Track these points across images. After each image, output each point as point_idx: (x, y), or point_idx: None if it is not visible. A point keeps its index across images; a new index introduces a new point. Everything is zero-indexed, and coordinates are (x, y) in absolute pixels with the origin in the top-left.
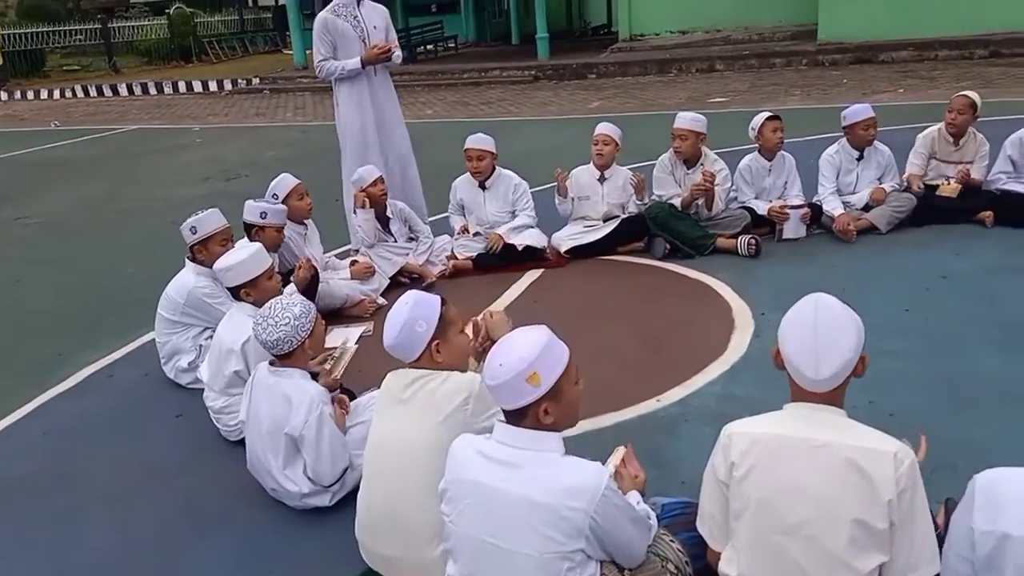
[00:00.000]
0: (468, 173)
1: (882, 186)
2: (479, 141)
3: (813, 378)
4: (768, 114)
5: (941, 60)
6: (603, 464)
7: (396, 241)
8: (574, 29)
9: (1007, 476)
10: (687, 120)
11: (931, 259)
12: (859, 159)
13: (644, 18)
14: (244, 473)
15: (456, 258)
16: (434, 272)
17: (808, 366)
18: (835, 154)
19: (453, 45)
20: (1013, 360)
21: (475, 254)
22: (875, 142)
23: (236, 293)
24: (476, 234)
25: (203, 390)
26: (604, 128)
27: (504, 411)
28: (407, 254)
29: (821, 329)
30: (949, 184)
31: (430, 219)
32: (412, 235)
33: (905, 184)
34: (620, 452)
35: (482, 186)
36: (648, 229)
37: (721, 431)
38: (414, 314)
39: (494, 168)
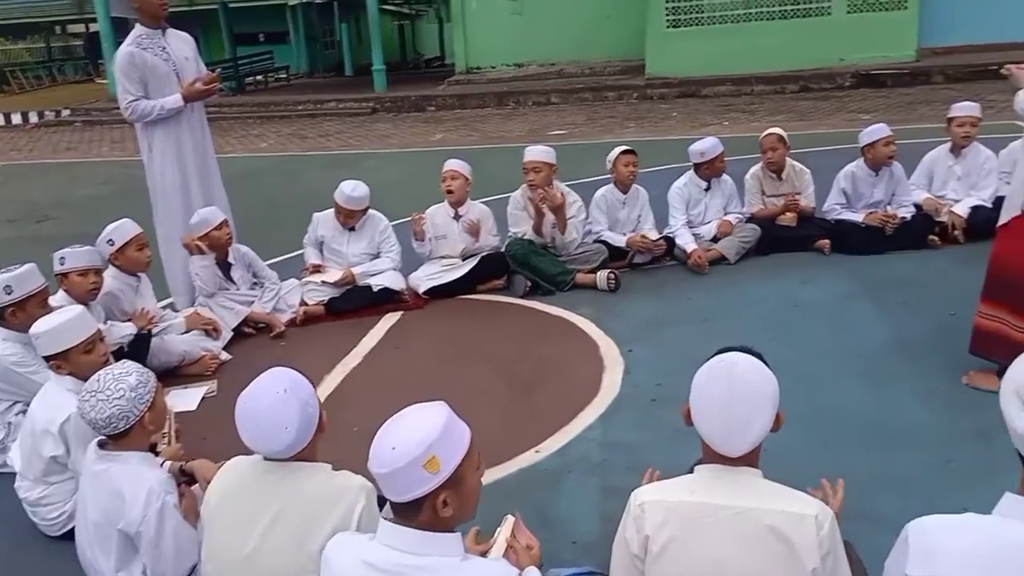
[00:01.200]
0: (333, 210)
1: (727, 218)
2: (457, 164)
3: (727, 453)
4: (623, 148)
5: (757, 95)
6: (495, 537)
7: (239, 288)
8: (408, 61)
9: (939, 524)
10: (539, 153)
11: (781, 288)
12: (707, 190)
13: (480, 51)
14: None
15: (307, 304)
16: (283, 320)
17: (722, 442)
18: (684, 187)
19: (285, 76)
20: (871, 390)
21: (327, 299)
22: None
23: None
24: (324, 283)
25: (14, 477)
26: (452, 164)
27: (394, 505)
28: (252, 302)
29: (736, 406)
30: (786, 215)
31: (273, 260)
32: (256, 281)
33: (749, 215)
34: (509, 523)
35: (350, 228)
36: (507, 266)
37: (630, 499)
38: (302, 397)
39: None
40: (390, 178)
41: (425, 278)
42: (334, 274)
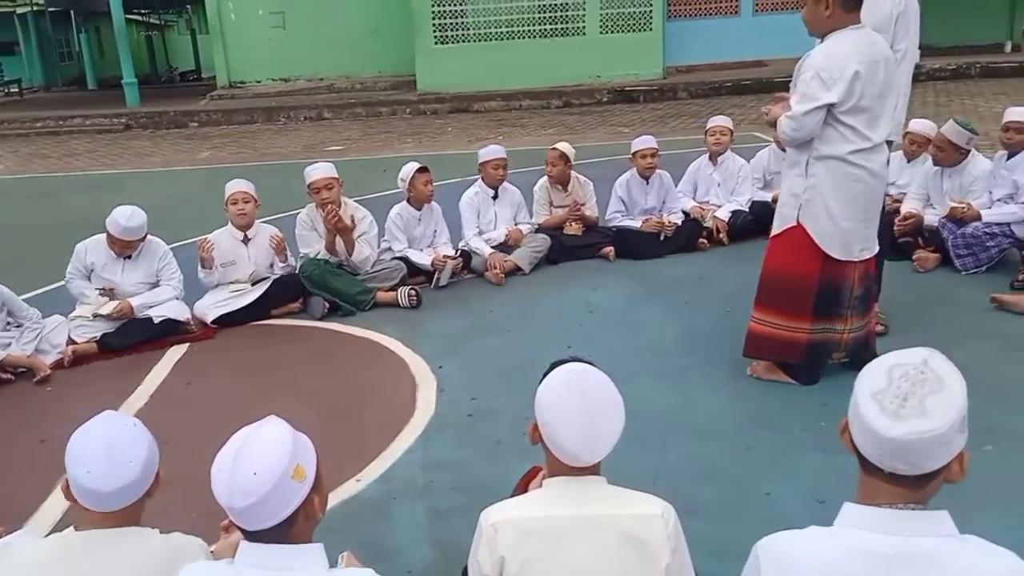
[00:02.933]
0: (105, 235)
1: (519, 227)
2: (244, 185)
3: (588, 461)
4: (418, 165)
5: (525, 109)
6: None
7: None
8: (160, 74)
9: (787, 539)
10: (328, 169)
11: (575, 295)
12: (494, 198)
13: (243, 65)
14: None
15: (75, 342)
16: (47, 362)
17: (583, 452)
18: (474, 196)
19: (17, 90)
20: (669, 385)
21: (99, 335)
22: (505, 182)
23: None
24: (96, 316)
25: None
26: (239, 185)
27: (258, 534)
28: (8, 344)
29: (594, 415)
30: (572, 225)
31: (28, 295)
32: (14, 322)
33: (537, 225)
34: (344, 558)
35: (126, 256)
36: (303, 289)
37: (480, 520)
38: (149, 437)
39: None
40: (157, 200)
41: (213, 306)
42: (108, 306)
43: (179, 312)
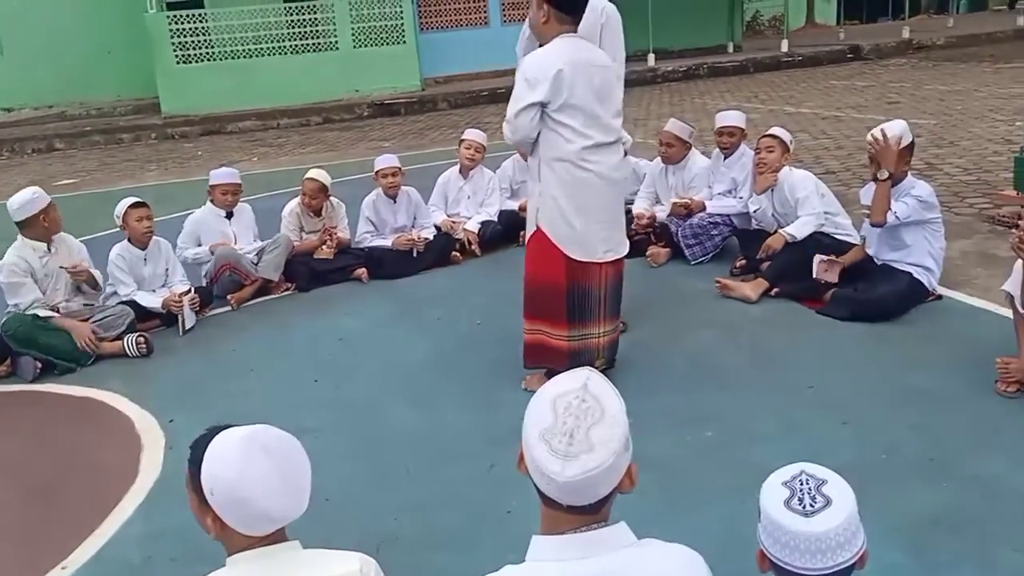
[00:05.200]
0: None
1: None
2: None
3: (291, 519)
4: (132, 200)
5: (283, 128)
6: None
7: None
8: None
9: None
10: (42, 198)
11: (326, 324)
12: (227, 217)
13: None
14: None
15: None
16: None
17: (291, 512)
18: (199, 220)
19: None
20: (418, 409)
21: None
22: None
23: None
24: None
25: None
26: None
27: None
28: None
29: (286, 469)
30: (323, 249)
31: None
32: None
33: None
34: None
35: None
36: (9, 349)
37: None
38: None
39: None
40: None
41: None
42: None
43: None
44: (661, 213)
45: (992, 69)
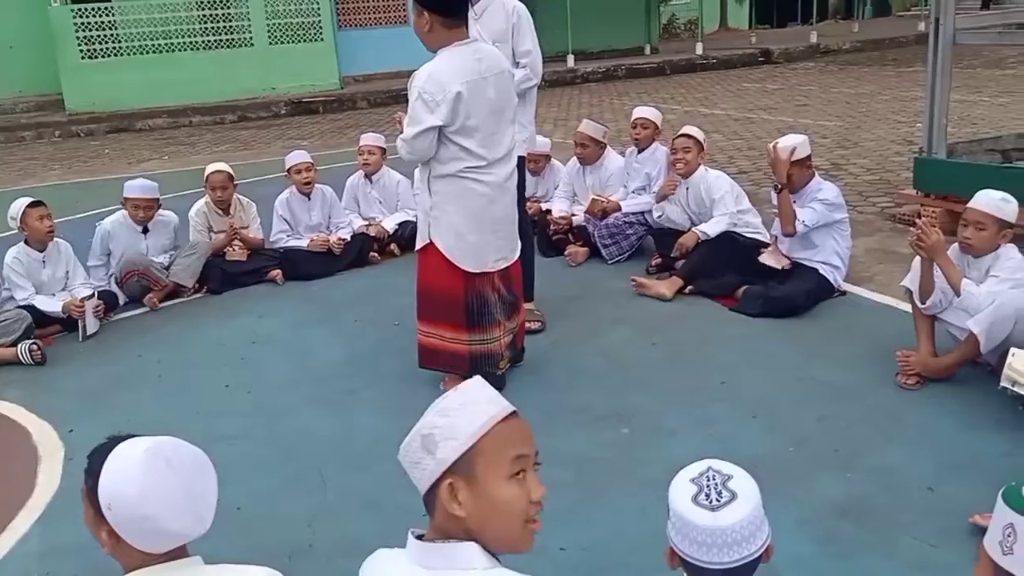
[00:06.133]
0: None
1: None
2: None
3: (195, 536)
4: (29, 200)
5: (196, 126)
6: None
7: None
8: None
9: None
10: None
11: (239, 327)
12: (144, 233)
13: None
14: None
15: None
16: None
17: (197, 525)
18: (112, 227)
19: None
20: (333, 413)
21: None
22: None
23: None
24: None
25: None
26: None
27: None
28: None
29: (191, 484)
30: (235, 249)
31: None
32: None
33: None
34: None
35: None
36: None
37: None
38: None
39: None
40: None
41: None
42: None
43: None
44: (579, 213)
45: (895, 72)
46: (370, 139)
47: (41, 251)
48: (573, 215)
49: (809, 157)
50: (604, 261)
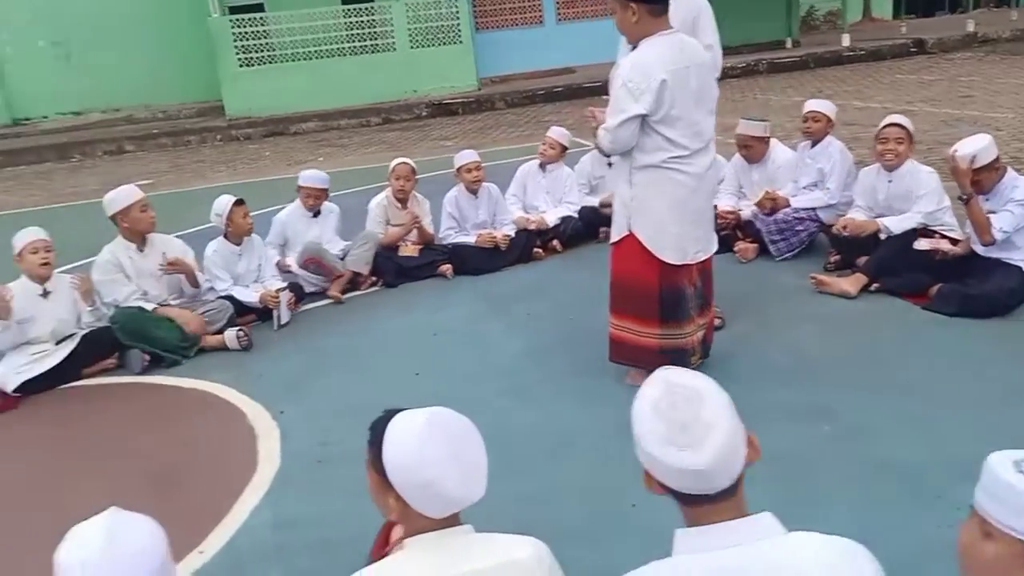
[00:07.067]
0: None
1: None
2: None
3: (465, 506)
4: (234, 199)
5: (344, 128)
6: None
7: None
8: None
9: None
10: (133, 191)
11: (417, 319)
12: (315, 216)
13: (25, 101)
14: None
15: None
16: None
17: (469, 496)
18: (288, 216)
19: None
20: (525, 404)
21: None
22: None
23: None
24: None
25: None
26: (36, 233)
27: None
28: None
29: (463, 451)
30: (408, 245)
31: None
32: None
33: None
34: None
35: None
36: (117, 342)
37: None
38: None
39: None
40: None
41: (13, 372)
42: None
43: None
44: (746, 209)
45: None
46: (555, 134)
47: (238, 244)
48: (740, 210)
49: (997, 159)
50: (772, 258)
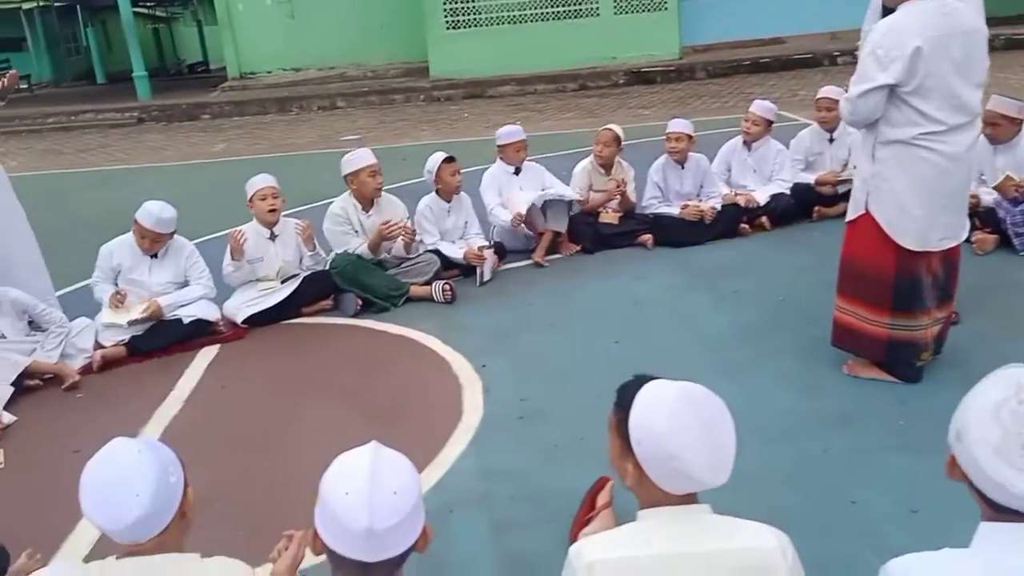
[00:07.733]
0: (131, 235)
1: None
2: (271, 180)
3: (708, 487)
4: (444, 156)
5: (540, 93)
6: None
7: (5, 337)
8: (169, 67)
9: (924, 564)
10: (367, 156)
11: (616, 287)
12: (516, 174)
13: (253, 56)
14: None
15: (103, 346)
16: (75, 368)
17: (716, 476)
18: (493, 175)
19: (27, 86)
20: (731, 381)
21: (128, 337)
22: (526, 161)
23: None
24: (134, 322)
25: None
26: (265, 180)
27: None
28: (33, 350)
29: (714, 432)
30: (609, 212)
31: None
32: (38, 327)
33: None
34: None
35: (152, 255)
36: (335, 285)
37: (571, 557)
38: (160, 459)
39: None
40: (174, 195)
41: (243, 305)
42: (137, 308)
43: (209, 312)
44: (987, 196)
45: None
46: (759, 108)
47: (447, 202)
48: (980, 197)
49: None
50: (1015, 251)
